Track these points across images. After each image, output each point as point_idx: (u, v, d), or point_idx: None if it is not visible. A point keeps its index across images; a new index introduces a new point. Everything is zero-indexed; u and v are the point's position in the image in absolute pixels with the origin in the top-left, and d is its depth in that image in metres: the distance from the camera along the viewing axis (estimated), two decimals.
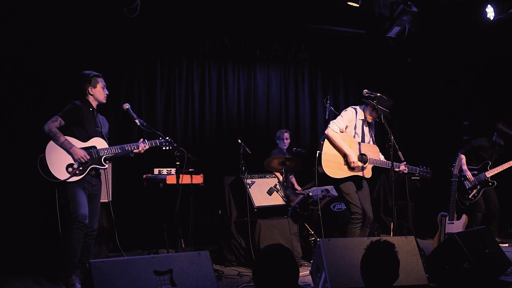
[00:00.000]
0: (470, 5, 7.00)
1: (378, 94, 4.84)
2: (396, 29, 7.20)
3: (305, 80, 7.82)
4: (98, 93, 4.34)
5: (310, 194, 6.34)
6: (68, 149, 4.07)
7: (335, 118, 4.99)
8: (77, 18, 5.99)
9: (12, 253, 5.28)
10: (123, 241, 5.25)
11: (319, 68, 7.92)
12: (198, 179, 4.97)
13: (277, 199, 5.61)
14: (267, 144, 7.10)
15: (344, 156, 4.85)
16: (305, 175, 6.98)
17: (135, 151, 4.35)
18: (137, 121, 4.26)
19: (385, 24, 7.19)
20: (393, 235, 7.11)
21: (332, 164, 4.81)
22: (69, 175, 4.07)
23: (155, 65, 6.77)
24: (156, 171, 5.36)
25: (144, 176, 5.46)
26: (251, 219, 5.29)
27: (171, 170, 5.36)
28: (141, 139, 4.43)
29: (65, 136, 4.11)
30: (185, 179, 4.84)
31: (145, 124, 4.26)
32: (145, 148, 4.40)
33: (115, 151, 4.30)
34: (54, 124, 4.07)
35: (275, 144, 6.99)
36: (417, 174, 5.22)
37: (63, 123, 4.12)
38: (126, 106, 4.38)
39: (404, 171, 5.02)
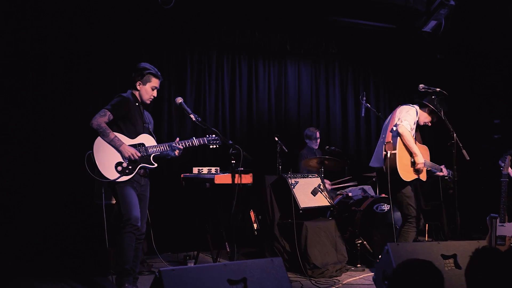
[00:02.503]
0: (507, 1, 6.78)
1: (438, 89, 4.56)
2: (432, 23, 6.95)
3: (336, 76, 7.56)
4: (145, 92, 4.03)
5: (350, 194, 6.08)
6: (117, 146, 3.77)
7: (365, 116, 4.70)
8: (107, 7, 5.71)
9: (49, 255, 5.03)
10: (159, 243, 4.99)
11: (350, 64, 7.67)
12: (247, 178, 4.67)
13: (321, 200, 5.33)
14: (298, 143, 6.83)
15: (411, 156, 4.53)
16: (335, 174, 6.72)
17: (179, 146, 4.03)
18: (192, 116, 3.96)
19: (421, 18, 6.95)
20: (427, 237, 6.91)
21: (403, 166, 4.48)
22: (119, 175, 3.77)
23: (184, 59, 6.49)
24: (195, 170, 5.07)
25: (182, 176, 5.16)
26: (297, 221, 5.01)
27: (211, 169, 5.08)
28: (177, 138, 4.12)
29: (114, 133, 3.80)
30: (227, 178, 4.55)
31: (200, 119, 3.96)
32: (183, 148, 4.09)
33: (164, 148, 4.01)
34: (103, 119, 3.77)
35: (304, 143, 6.74)
36: (446, 176, 4.98)
37: (111, 117, 3.82)
38: (179, 100, 4.07)
39: (445, 175, 4.82)
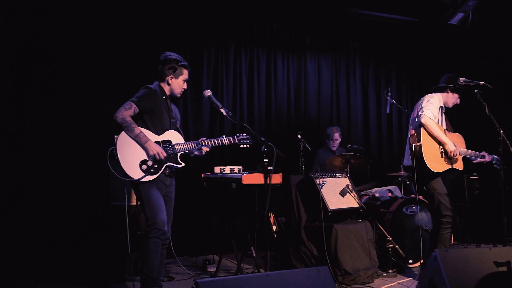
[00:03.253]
0: None
1: (481, 83, 4.27)
2: (459, 15, 6.65)
3: (357, 71, 7.25)
4: (177, 85, 3.72)
5: (377, 195, 5.77)
6: (143, 143, 3.45)
7: (391, 112, 4.48)
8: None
9: (63, 260, 4.74)
10: (175, 246, 4.70)
11: (371, 58, 7.35)
12: (277, 178, 4.36)
13: (350, 201, 5.01)
14: (317, 141, 6.52)
15: (440, 146, 4.33)
16: (358, 174, 6.40)
17: (204, 149, 3.72)
18: (222, 110, 3.63)
19: (447, 11, 6.64)
20: (453, 240, 6.61)
21: (432, 157, 4.30)
22: (143, 174, 3.45)
23: (201, 53, 6.18)
24: (217, 169, 4.76)
25: (202, 175, 4.85)
26: (325, 224, 4.70)
27: (233, 168, 4.78)
28: (203, 138, 3.80)
29: (139, 128, 3.48)
30: (255, 178, 4.23)
31: (230, 114, 3.64)
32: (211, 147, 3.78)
33: (192, 146, 3.69)
34: (128, 112, 3.44)
35: (324, 141, 6.44)
36: (494, 162, 4.71)
37: (137, 110, 3.49)
38: (208, 92, 3.75)
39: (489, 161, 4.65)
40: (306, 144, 5.74)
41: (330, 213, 4.75)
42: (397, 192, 6.00)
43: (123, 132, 3.47)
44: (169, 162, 3.59)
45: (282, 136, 6.48)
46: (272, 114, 6.58)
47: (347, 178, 5.22)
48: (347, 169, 5.60)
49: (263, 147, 3.60)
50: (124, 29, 5.54)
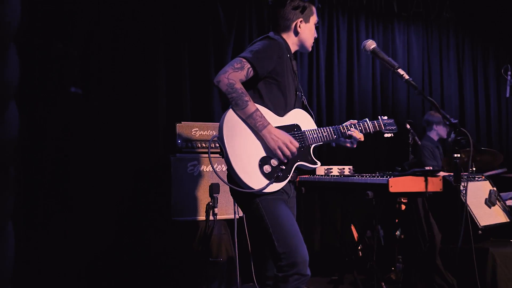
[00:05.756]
0: None
1: None
2: None
3: (451, 48, 5.85)
4: (309, 33, 2.37)
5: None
6: (259, 128, 2.08)
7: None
8: None
9: None
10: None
11: (467, 32, 5.95)
12: (435, 183, 2.92)
13: (498, 214, 3.65)
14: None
15: None
16: None
17: (358, 135, 2.35)
18: (400, 71, 2.24)
19: None
20: None
21: None
22: (268, 181, 2.06)
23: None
24: (321, 170, 3.38)
25: (298, 179, 3.45)
26: (475, 246, 3.31)
27: (343, 168, 3.41)
28: (350, 121, 2.44)
29: (255, 104, 2.10)
30: (408, 183, 2.83)
31: (409, 78, 2.23)
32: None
33: (329, 135, 2.31)
34: (238, 75, 2.07)
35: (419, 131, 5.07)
36: None
37: (251, 74, 2.12)
38: (372, 44, 2.38)
39: None
40: (416, 137, 4.37)
41: (480, 232, 3.39)
42: None
43: (230, 110, 2.09)
44: (300, 161, 2.20)
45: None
46: (354, 98, 5.19)
47: (487, 181, 3.84)
48: (473, 170, 4.23)
49: (451, 136, 2.20)
50: None
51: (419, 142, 4.42)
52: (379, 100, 5.35)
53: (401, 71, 2.25)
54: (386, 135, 2.57)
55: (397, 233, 4.24)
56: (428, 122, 5.01)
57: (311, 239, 4.69)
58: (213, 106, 4.27)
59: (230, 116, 2.08)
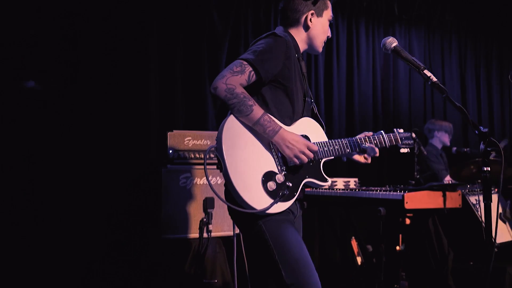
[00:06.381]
0: None
1: None
2: None
3: (452, 51, 5.65)
4: (321, 28, 2.10)
5: None
6: (270, 134, 1.82)
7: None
8: None
9: None
10: None
11: (469, 35, 5.75)
12: (454, 199, 2.67)
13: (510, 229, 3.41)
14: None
15: None
16: None
17: (371, 145, 2.10)
18: (426, 72, 2.00)
19: None
20: None
21: None
22: (273, 200, 1.80)
23: (268, 16, 4.51)
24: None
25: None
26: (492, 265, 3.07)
27: (348, 180, 3.16)
28: (365, 133, 2.18)
29: (261, 108, 1.83)
30: (425, 199, 2.57)
31: (439, 84, 1.98)
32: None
33: (342, 148, 2.04)
34: (238, 79, 1.80)
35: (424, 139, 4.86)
36: None
37: (253, 78, 1.85)
38: (393, 42, 2.15)
39: None
40: (422, 147, 4.12)
41: (496, 250, 3.14)
42: None
43: (231, 117, 1.82)
44: (309, 177, 1.94)
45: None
46: (354, 104, 4.94)
47: (496, 194, 3.60)
48: (478, 181, 3.99)
49: (481, 146, 1.95)
50: None
51: (425, 153, 4.17)
52: (380, 106, 5.12)
53: (427, 73, 2.01)
54: (402, 150, 2.31)
55: (399, 248, 3.98)
56: (429, 130, 4.82)
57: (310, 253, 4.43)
58: (207, 113, 3.99)
59: (231, 124, 1.81)
